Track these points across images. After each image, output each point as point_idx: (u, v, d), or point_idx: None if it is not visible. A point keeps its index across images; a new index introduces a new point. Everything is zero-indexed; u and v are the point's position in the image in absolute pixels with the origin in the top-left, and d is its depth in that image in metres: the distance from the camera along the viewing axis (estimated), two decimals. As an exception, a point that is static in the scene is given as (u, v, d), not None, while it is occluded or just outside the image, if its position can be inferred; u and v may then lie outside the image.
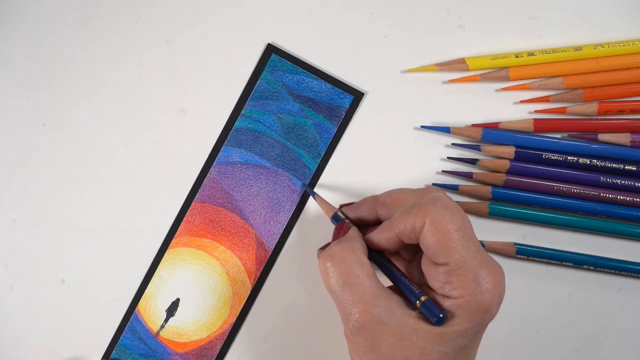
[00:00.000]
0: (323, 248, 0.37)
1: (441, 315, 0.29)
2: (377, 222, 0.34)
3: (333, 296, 0.31)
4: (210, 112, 0.42)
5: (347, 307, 0.30)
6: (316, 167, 0.42)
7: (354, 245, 0.32)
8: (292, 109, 0.42)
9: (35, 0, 0.43)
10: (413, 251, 0.35)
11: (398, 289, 0.32)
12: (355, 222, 0.35)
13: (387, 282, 0.33)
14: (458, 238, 0.29)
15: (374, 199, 0.34)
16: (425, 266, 0.31)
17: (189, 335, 0.42)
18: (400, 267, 0.35)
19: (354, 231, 0.34)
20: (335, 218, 0.36)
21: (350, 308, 0.30)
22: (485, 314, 0.29)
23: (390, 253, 0.35)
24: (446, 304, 0.30)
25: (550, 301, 0.41)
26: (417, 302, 0.30)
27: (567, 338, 0.41)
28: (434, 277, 0.30)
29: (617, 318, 0.41)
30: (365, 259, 0.31)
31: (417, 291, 0.31)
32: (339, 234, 0.34)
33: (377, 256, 0.33)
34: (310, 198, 0.42)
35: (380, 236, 0.32)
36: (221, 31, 0.43)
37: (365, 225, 0.35)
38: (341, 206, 0.37)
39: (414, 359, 0.30)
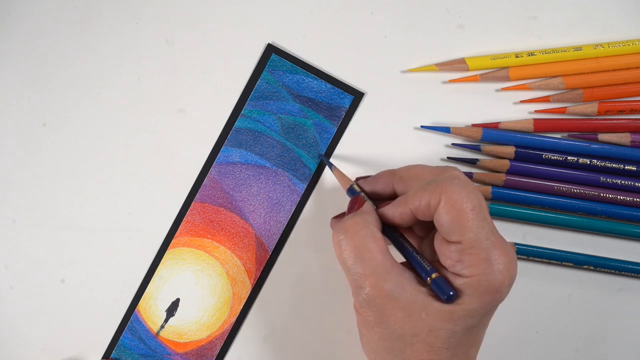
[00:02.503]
0: (337, 217, 0.37)
1: (451, 293, 0.29)
2: (393, 197, 0.34)
3: (345, 269, 0.31)
4: (210, 112, 0.42)
5: (358, 280, 0.30)
6: (316, 167, 0.42)
7: (367, 219, 0.32)
8: (292, 109, 0.42)
9: (35, 0, 0.43)
10: (426, 228, 0.35)
11: (410, 265, 0.32)
12: (371, 195, 0.35)
13: (400, 258, 0.32)
14: (473, 217, 0.29)
15: (391, 173, 0.34)
16: (438, 244, 0.31)
17: (189, 335, 0.42)
18: (413, 243, 0.34)
19: (368, 205, 0.34)
20: (350, 191, 0.36)
21: (362, 281, 0.30)
22: (495, 294, 0.29)
23: (403, 229, 0.34)
24: (457, 282, 0.30)
25: (550, 301, 0.41)
26: (428, 278, 0.30)
27: (567, 338, 0.41)
28: (446, 255, 0.30)
29: (617, 318, 0.41)
30: (378, 234, 0.31)
31: (428, 268, 0.31)
32: (353, 207, 0.34)
33: (390, 231, 0.33)
34: (313, 194, 0.42)
35: (395, 211, 0.32)
36: (221, 31, 0.43)
37: (380, 199, 0.35)
38: (357, 179, 0.36)
39: (421, 335, 0.30)
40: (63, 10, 0.43)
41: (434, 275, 0.30)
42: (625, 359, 0.41)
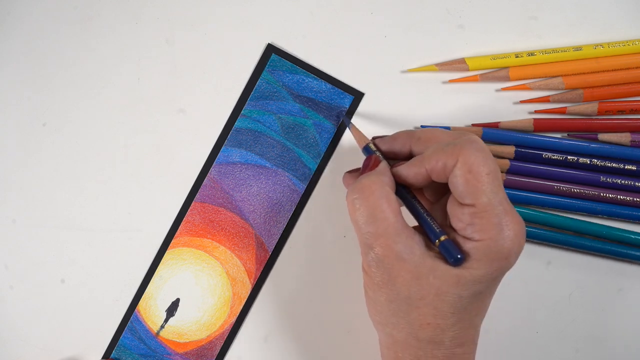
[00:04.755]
0: (351, 173, 0.36)
1: (459, 256, 0.29)
2: (408, 157, 0.34)
3: (356, 228, 0.31)
4: (210, 112, 0.42)
5: (369, 240, 0.31)
6: (316, 167, 0.42)
7: (383, 180, 0.31)
8: (292, 109, 0.42)
9: (35, 0, 0.43)
10: (438, 193, 0.35)
11: (420, 227, 0.32)
12: (387, 155, 0.35)
13: (411, 221, 0.32)
14: (488, 181, 0.29)
15: (409, 134, 0.34)
16: (451, 206, 0.31)
17: (189, 335, 0.42)
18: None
19: (384, 165, 0.33)
20: (366, 149, 0.36)
21: (372, 241, 0.30)
22: (504, 261, 0.29)
23: (416, 191, 0.34)
24: (466, 246, 0.30)
25: (550, 301, 0.41)
26: (437, 241, 0.30)
27: (567, 338, 0.41)
28: (458, 218, 0.30)
29: (617, 318, 0.41)
30: (392, 195, 0.31)
31: (438, 230, 0.31)
32: (368, 165, 0.34)
33: (403, 191, 0.33)
34: (311, 197, 0.42)
35: (410, 171, 0.32)
36: (221, 31, 0.43)
37: (395, 159, 0.35)
38: (374, 138, 0.36)
39: (428, 298, 0.30)
40: (63, 10, 0.43)
41: (442, 238, 0.30)
42: (625, 359, 0.41)
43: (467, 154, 0.30)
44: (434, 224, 0.31)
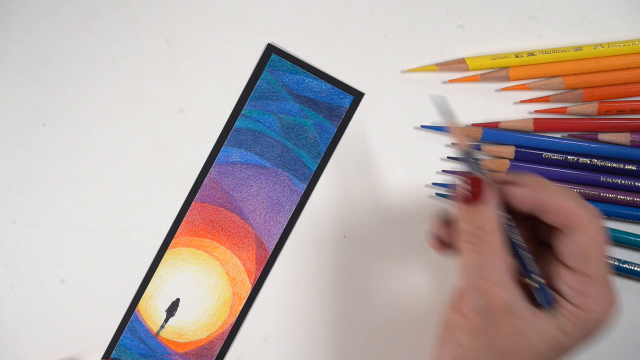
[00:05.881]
0: (460, 193, 0.31)
1: (551, 303, 0.29)
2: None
3: (465, 268, 0.30)
4: (210, 112, 0.42)
5: (478, 283, 0.29)
6: (316, 167, 0.42)
7: (500, 220, 0.29)
8: (292, 109, 0.42)
9: (36, 0, 0.43)
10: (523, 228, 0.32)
11: (517, 262, 0.30)
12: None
13: None
14: (604, 254, 0.29)
15: (540, 187, 0.30)
16: (552, 264, 0.31)
17: (189, 335, 0.42)
18: None
19: (495, 195, 0.30)
20: (468, 161, 0.30)
21: (486, 287, 0.29)
22: (595, 335, 0.30)
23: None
24: (566, 307, 0.30)
25: (550, 301, 0.41)
26: (532, 280, 0.30)
27: (567, 338, 0.41)
28: (562, 280, 0.30)
29: (617, 318, 0.41)
30: (508, 259, 0.30)
31: (537, 273, 0.30)
32: (477, 193, 0.30)
33: (506, 221, 0.30)
34: (311, 197, 0.42)
35: (526, 196, 0.30)
36: (221, 31, 0.43)
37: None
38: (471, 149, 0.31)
39: (523, 357, 0.29)
40: (63, 10, 0.43)
41: (541, 281, 0.30)
42: (625, 358, 0.41)
43: (596, 222, 0.29)
44: (535, 266, 0.30)
